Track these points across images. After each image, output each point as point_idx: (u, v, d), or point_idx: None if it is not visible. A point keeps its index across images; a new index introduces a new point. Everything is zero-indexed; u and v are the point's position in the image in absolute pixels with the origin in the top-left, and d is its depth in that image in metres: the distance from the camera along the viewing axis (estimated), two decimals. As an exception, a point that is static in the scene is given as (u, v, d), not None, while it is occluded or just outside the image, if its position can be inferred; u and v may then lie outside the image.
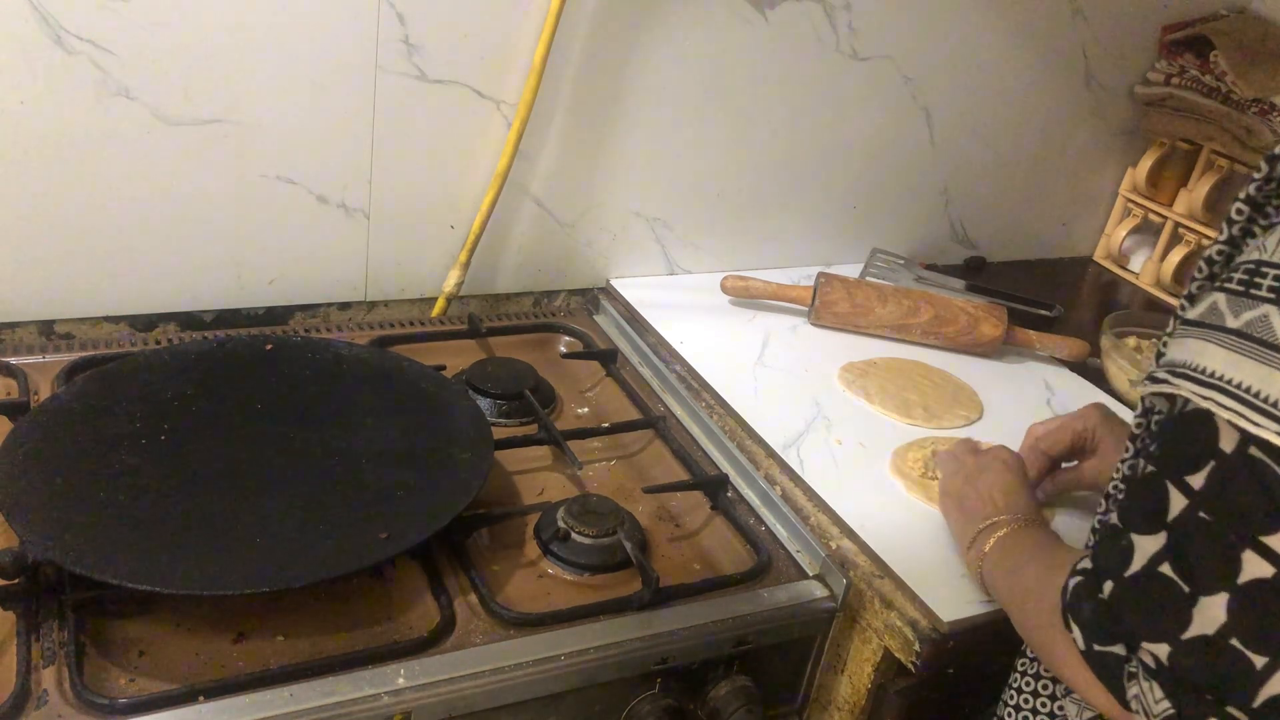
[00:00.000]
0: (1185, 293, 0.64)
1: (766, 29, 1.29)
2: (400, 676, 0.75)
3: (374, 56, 1.10)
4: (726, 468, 1.05)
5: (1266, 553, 0.50)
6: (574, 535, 0.90)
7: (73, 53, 0.98)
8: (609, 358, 1.20)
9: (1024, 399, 1.25)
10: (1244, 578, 0.51)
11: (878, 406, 1.17)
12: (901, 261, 1.50)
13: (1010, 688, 0.84)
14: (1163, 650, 0.54)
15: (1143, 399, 0.68)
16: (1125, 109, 1.64)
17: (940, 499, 0.98)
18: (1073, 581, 0.62)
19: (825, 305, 1.32)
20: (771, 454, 1.07)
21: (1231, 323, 0.54)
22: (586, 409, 1.15)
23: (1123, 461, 0.73)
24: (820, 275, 1.34)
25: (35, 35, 0.96)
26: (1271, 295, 0.53)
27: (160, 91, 1.03)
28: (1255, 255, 0.56)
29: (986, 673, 0.91)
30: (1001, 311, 1.33)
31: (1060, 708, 0.78)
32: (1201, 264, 0.63)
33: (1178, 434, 0.55)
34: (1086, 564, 0.62)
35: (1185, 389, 0.54)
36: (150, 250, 1.11)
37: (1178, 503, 0.54)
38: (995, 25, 1.45)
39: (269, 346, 1.04)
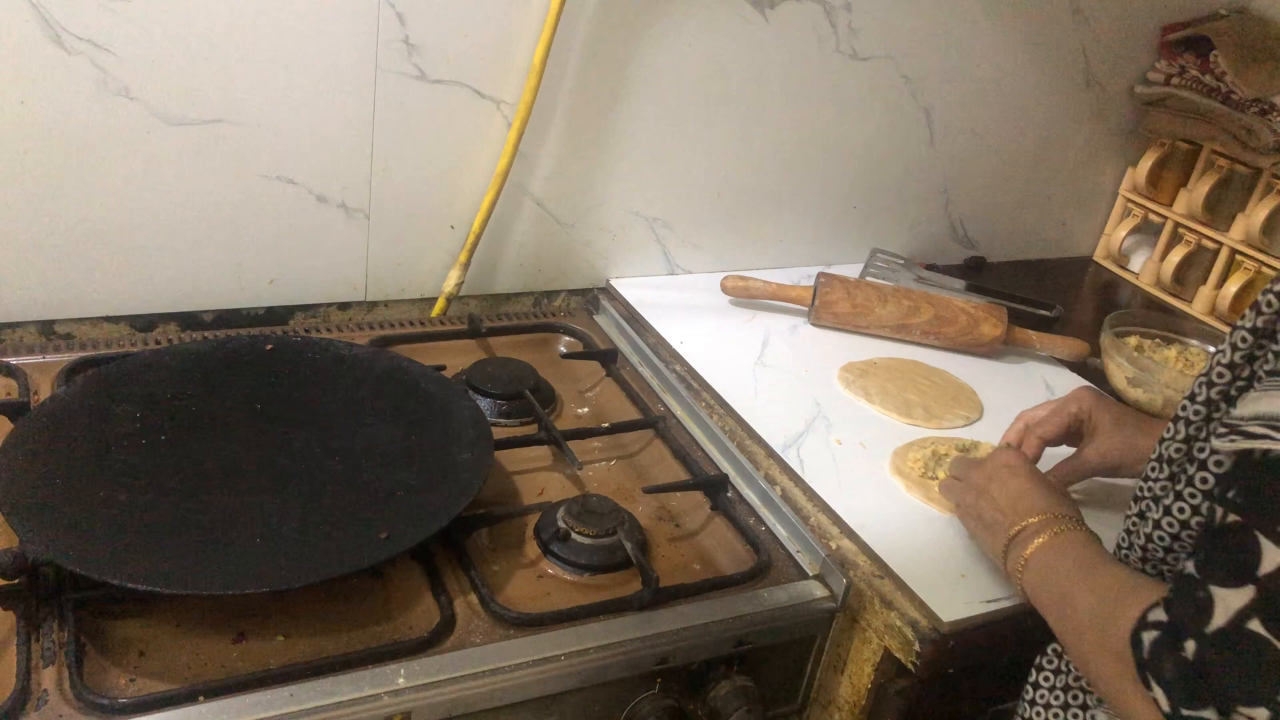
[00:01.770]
0: (1249, 326, 0.60)
1: (766, 29, 1.29)
2: (400, 676, 0.75)
3: (374, 56, 1.10)
4: (726, 468, 1.05)
5: None
6: (574, 535, 0.90)
7: (73, 53, 0.98)
8: (609, 358, 1.20)
9: (1024, 399, 1.24)
10: None
11: (878, 406, 1.17)
12: (901, 261, 1.50)
13: (1035, 686, 0.82)
14: (1262, 715, 0.52)
15: (1184, 424, 0.65)
16: (1125, 109, 1.64)
17: (960, 514, 0.94)
18: (1148, 637, 0.58)
19: (825, 305, 1.32)
20: (771, 454, 1.07)
21: None
22: (586, 409, 1.15)
23: (1154, 480, 0.71)
24: (820, 275, 1.34)
25: (35, 35, 0.96)
26: None
27: (160, 91, 1.03)
28: None
29: (986, 673, 0.91)
30: (1001, 311, 1.33)
31: (1093, 718, 0.77)
32: (1273, 298, 0.60)
33: (1269, 483, 0.52)
34: (1160, 615, 0.58)
35: None
36: (150, 250, 1.11)
37: (1272, 556, 0.51)
38: (995, 25, 1.45)
39: (269, 346, 1.04)
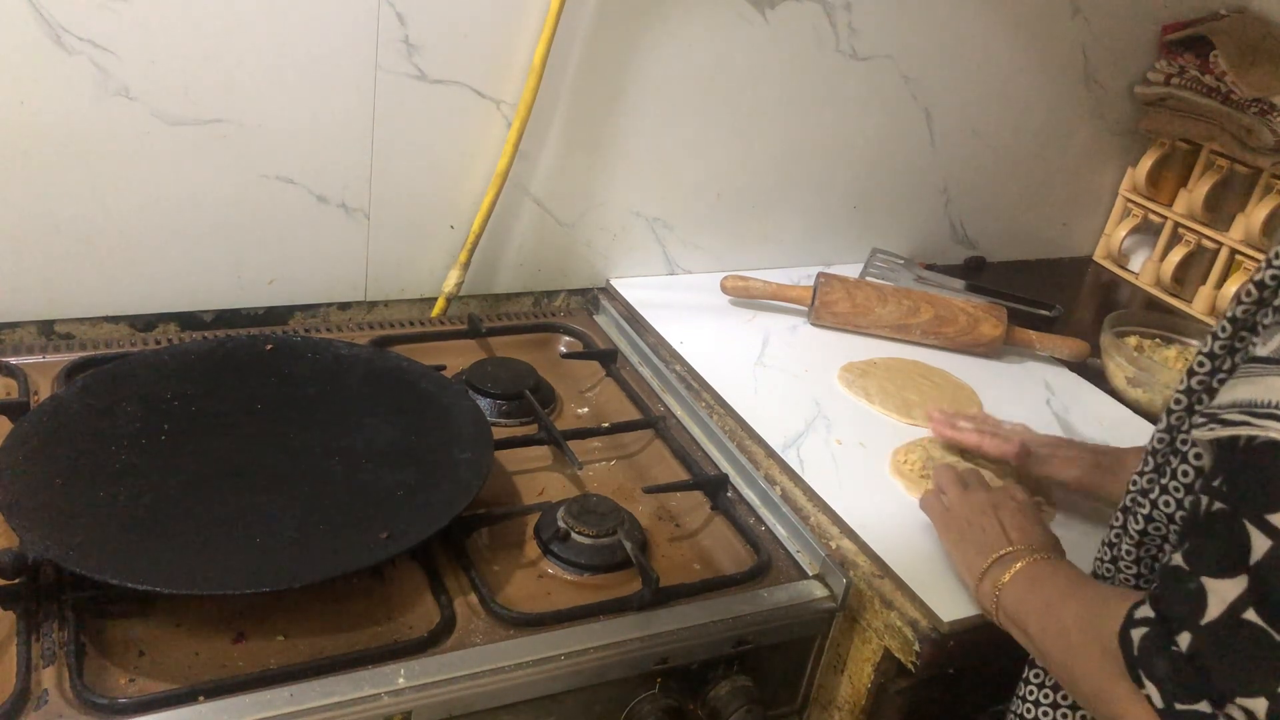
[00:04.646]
0: (1229, 315, 0.60)
1: (766, 29, 1.29)
2: (400, 676, 0.75)
3: (374, 56, 1.10)
4: (726, 468, 1.05)
5: None
6: (574, 535, 0.90)
7: (73, 53, 0.98)
8: (609, 358, 1.20)
9: (1024, 399, 1.25)
10: None
11: (878, 406, 1.17)
12: (901, 261, 1.50)
13: (1021, 699, 0.82)
14: (1260, 706, 0.51)
15: (1168, 415, 0.65)
16: (1125, 109, 1.64)
17: (943, 525, 0.92)
18: (1137, 633, 0.57)
19: (825, 305, 1.32)
20: (771, 454, 1.07)
21: None
22: (586, 409, 1.15)
23: (1140, 475, 0.71)
24: (820, 275, 1.34)
25: (35, 35, 0.96)
26: None
27: (160, 91, 1.03)
28: None
29: (986, 673, 0.91)
30: (1001, 311, 1.33)
31: (1082, 717, 0.77)
32: (1251, 288, 0.60)
33: (1254, 471, 0.52)
34: (1148, 611, 0.57)
35: (1275, 429, 0.50)
36: (150, 250, 1.11)
37: (1261, 544, 0.50)
38: (995, 25, 1.45)
39: (269, 346, 1.04)
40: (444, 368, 1.10)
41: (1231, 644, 0.52)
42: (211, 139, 1.07)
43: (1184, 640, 0.54)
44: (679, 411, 1.14)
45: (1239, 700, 0.51)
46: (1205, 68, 1.52)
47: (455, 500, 0.86)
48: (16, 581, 0.75)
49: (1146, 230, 1.69)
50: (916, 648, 0.86)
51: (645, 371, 1.21)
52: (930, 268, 1.55)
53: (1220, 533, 0.53)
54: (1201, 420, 0.54)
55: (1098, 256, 1.76)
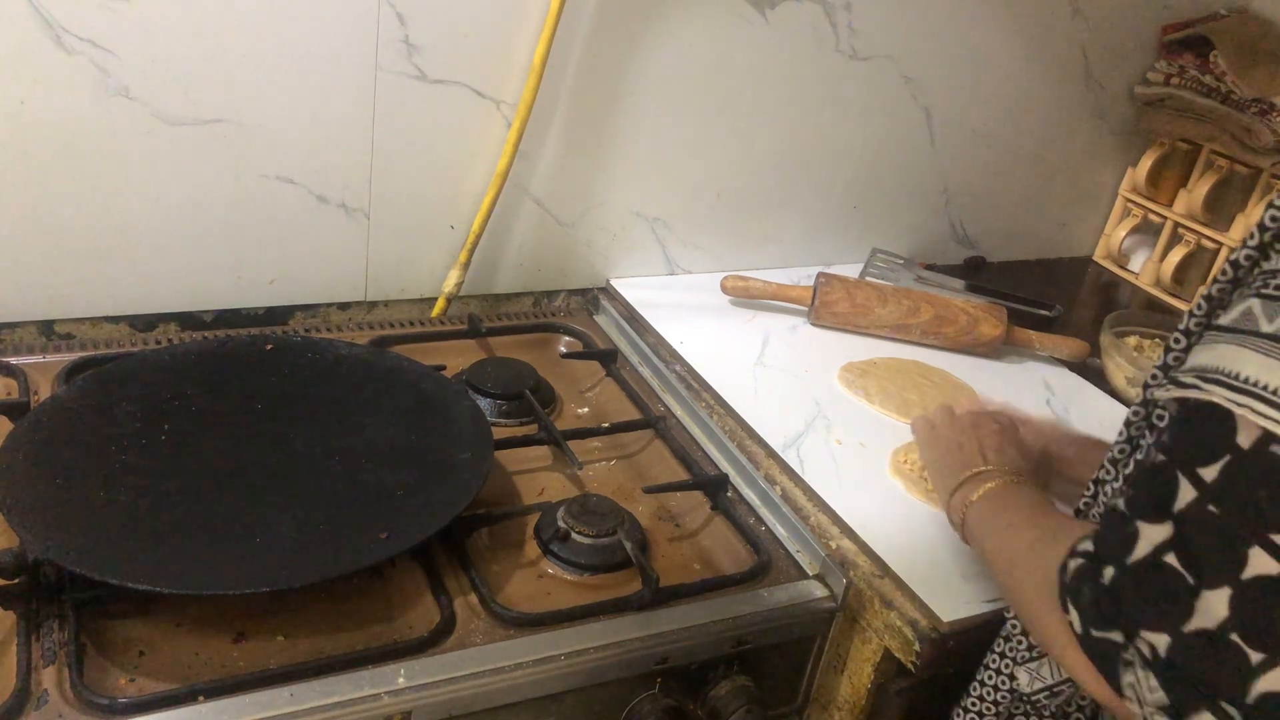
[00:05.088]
0: (1204, 293, 0.63)
1: (766, 29, 1.29)
2: (400, 676, 0.75)
3: (374, 56, 1.10)
4: (726, 468, 1.05)
5: (1274, 550, 0.50)
6: (574, 535, 0.90)
7: (73, 53, 0.98)
8: (609, 358, 1.20)
9: (1024, 399, 1.25)
10: (1248, 573, 0.51)
11: (878, 406, 1.17)
12: (901, 261, 1.50)
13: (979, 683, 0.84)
14: (1162, 641, 0.54)
15: (1145, 390, 0.67)
16: (1125, 109, 1.64)
17: (926, 443, 0.96)
18: (1073, 563, 0.61)
19: (825, 305, 1.32)
20: (771, 454, 1.07)
21: (1266, 327, 0.53)
22: (586, 409, 1.15)
23: (1115, 445, 0.73)
24: (820, 275, 1.34)
25: (35, 35, 0.96)
26: None
27: (160, 91, 1.03)
28: None
29: (986, 673, 0.91)
30: (1001, 311, 1.33)
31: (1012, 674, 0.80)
32: (1227, 267, 0.62)
33: (1192, 426, 0.55)
34: (1088, 546, 0.61)
35: (1218, 394, 0.53)
36: (150, 250, 1.11)
37: (1186, 494, 0.53)
38: (995, 25, 1.45)
39: (269, 346, 1.04)
40: (444, 368, 1.10)
41: (1148, 582, 0.55)
42: (211, 139, 1.07)
43: (1109, 574, 0.57)
44: (679, 411, 1.14)
45: (1144, 633, 0.55)
46: (1205, 68, 1.52)
47: (455, 500, 0.86)
48: (16, 581, 0.75)
49: (1146, 230, 1.69)
50: (916, 648, 0.86)
51: (645, 371, 1.21)
52: (930, 268, 1.55)
53: (1156, 481, 0.56)
54: (1163, 381, 0.58)
55: (1098, 256, 1.76)
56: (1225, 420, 0.52)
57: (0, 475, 0.81)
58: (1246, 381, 0.52)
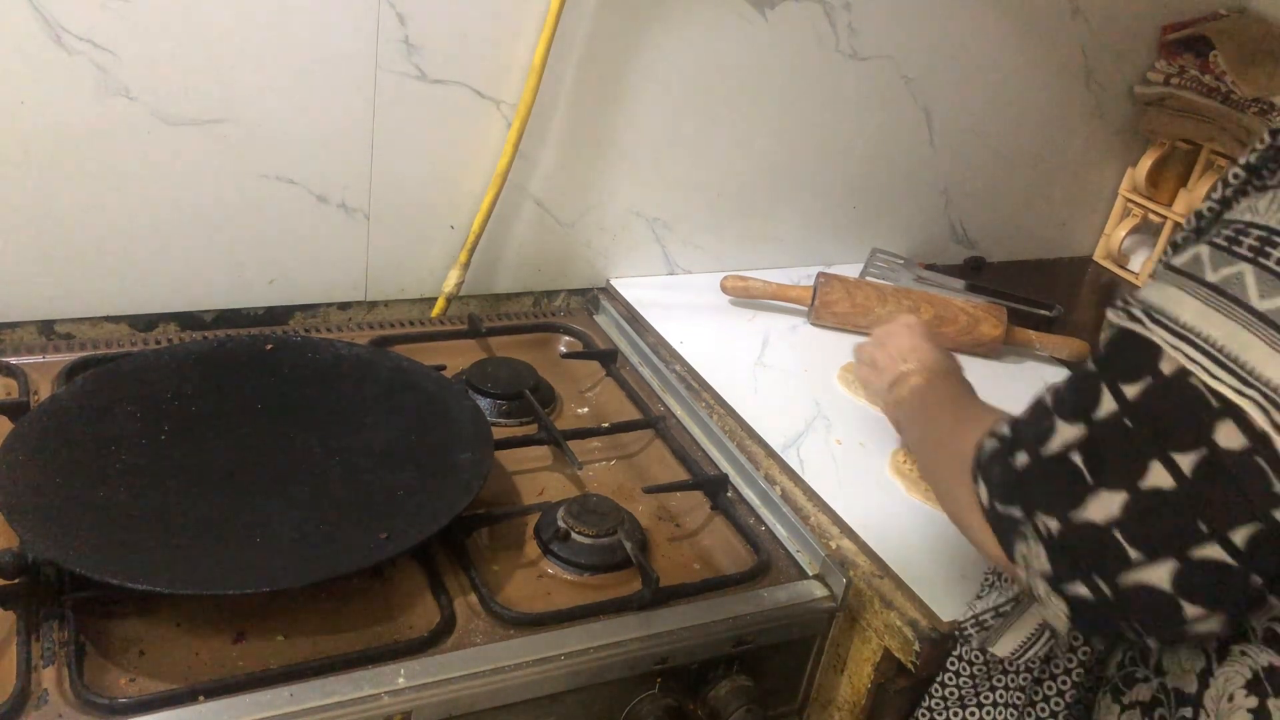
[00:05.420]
0: (1171, 240, 0.67)
1: (766, 29, 1.29)
2: (400, 676, 0.75)
3: (374, 56, 1.10)
4: (726, 468, 1.05)
5: (1173, 468, 0.55)
6: (574, 535, 0.90)
7: (73, 53, 0.98)
8: (609, 358, 1.20)
9: (1024, 399, 1.24)
10: (1145, 484, 0.56)
11: (862, 397, 1.17)
12: (901, 261, 1.50)
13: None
14: (1055, 524, 0.61)
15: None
16: (1125, 109, 1.64)
17: (857, 370, 1.03)
18: (989, 444, 0.67)
19: (825, 305, 1.32)
20: (771, 454, 1.07)
21: (1210, 276, 0.57)
22: (586, 409, 1.15)
23: None
24: (820, 275, 1.34)
25: (35, 35, 0.96)
26: (1250, 255, 0.56)
27: (160, 91, 1.03)
28: (1245, 216, 0.59)
29: (986, 673, 0.91)
30: (1001, 311, 1.33)
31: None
32: (1191, 217, 0.66)
33: (1125, 346, 0.59)
34: (1005, 430, 0.67)
35: (1158, 335, 0.57)
36: (150, 250, 1.11)
37: (1107, 405, 0.58)
38: (995, 25, 1.45)
39: (269, 346, 1.04)
40: (444, 368, 1.10)
41: (1053, 474, 0.61)
42: (211, 139, 1.07)
43: (1020, 459, 0.64)
44: (679, 411, 1.14)
45: (1040, 515, 0.61)
46: (1205, 68, 1.52)
47: (455, 500, 0.86)
48: (16, 581, 0.75)
49: (1146, 230, 1.69)
50: (916, 648, 0.86)
51: (645, 371, 1.21)
52: (930, 268, 1.55)
53: (1082, 387, 0.61)
54: (1120, 307, 0.62)
55: (1098, 256, 1.76)
56: (1153, 348, 0.57)
57: (0, 475, 0.81)
58: (1184, 327, 0.57)
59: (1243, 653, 0.64)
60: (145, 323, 1.15)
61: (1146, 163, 1.62)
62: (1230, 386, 0.54)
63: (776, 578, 0.91)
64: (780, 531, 0.97)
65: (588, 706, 0.83)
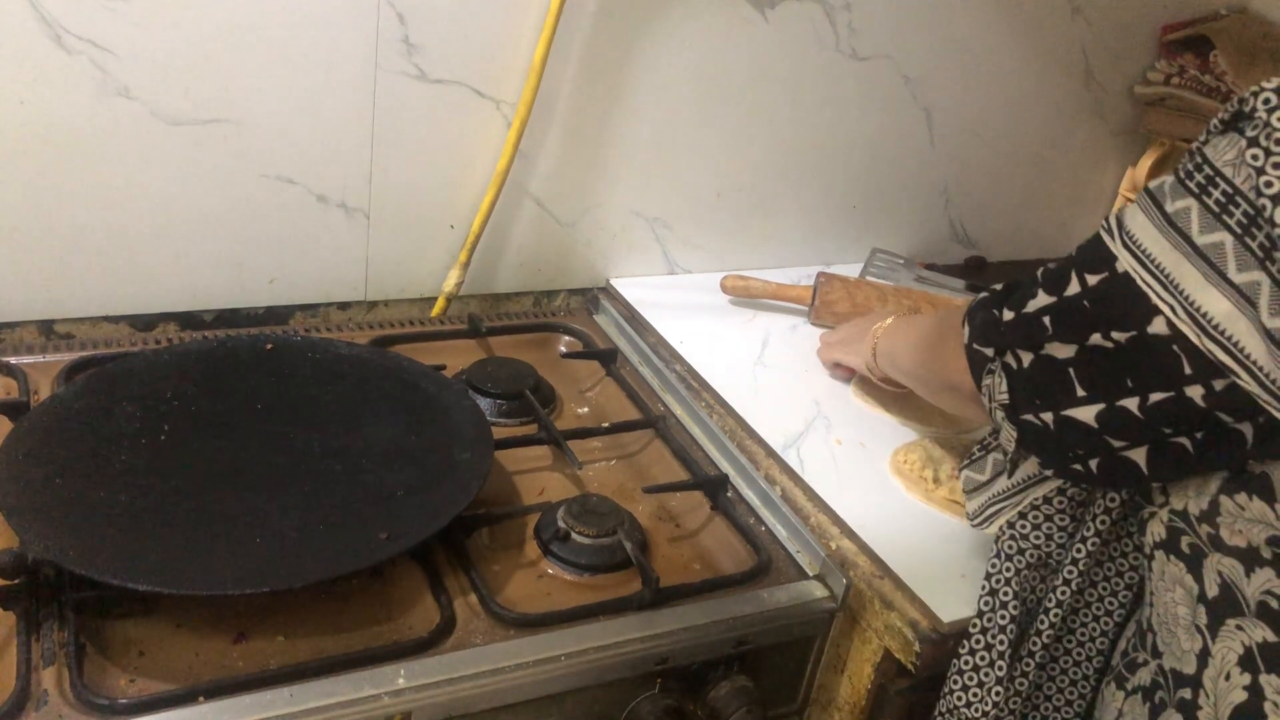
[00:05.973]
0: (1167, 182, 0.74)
1: (766, 29, 1.29)
2: (400, 677, 0.75)
3: (374, 56, 1.10)
4: (726, 468, 1.05)
5: (1108, 338, 0.66)
6: (574, 535, 0.90)
7: (73, 53, 0.98)
8: (609, 358, 1.20)
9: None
10: (1090, 343, 0.68)
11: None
12: (901, 261, 1.50)
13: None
14: (1027, 358, 0.72)
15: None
16: (1125, 108, 1.64)
17: (829, 354, 1.17)
18: (982, 296, 0.79)
19: (825, 305, 1.32)
20: (771, 454, 1.07)
21: (1168, 206, 0.64)
22: (586, 409, 1.15)
23: None
24: (820, 275, 1.34)
25: (35, 35, 0.96)
26: (1197, 191, 0.63)
27: (160, 91, 1.03)
28: (1206, 152, 0.64)
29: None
30: (1001, 311, 1.33)
31: None
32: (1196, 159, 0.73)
33: (1096, 247, 0.69)
34: (998, 288, 0.78)
35: (1118, 249, 0.66)
36: (150, 250, 1.11)
37: (1073, 286, 0.69)
38: (995, 25, 1.45)
39: (269, 346, 1.04)
40: (444, 368, 1.10)
41: (1024, 324, 0.72)
42: (211, 139, 1.07)
43: (1007, 314, 0.74)
44: (679, 411, 1.14)
45: (1009, 354, 0.74)
46: (1205, 68, 1.52)
47: (455, 500, 0.86)
48: (16, 581, 0.75)
49: (1146, 230, 1.68)
50: (916, 648, 0.86)
51: (645, 371, 1.21)
52: (930, 268, 1.55)
53: (1060, 270, 0.70)
54: (1110, 225, 0.69)
55: (1098, 256, 1.76)
56: (1114, 256, 0.67)
57: (0, 475, 0.81)
58: (1144, 252, 0.65)
59: (1238, 626, 0.67)
60: (145, 323, 1.15)
61: (1146, 163, 1.62)
62: (1168, 305, 0.63)
63: (776, 578, 0.91)
64: (780, 532, 0.97)
65: (588, 707, 0.83)
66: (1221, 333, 0.61)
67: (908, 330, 1.02)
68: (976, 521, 0.89)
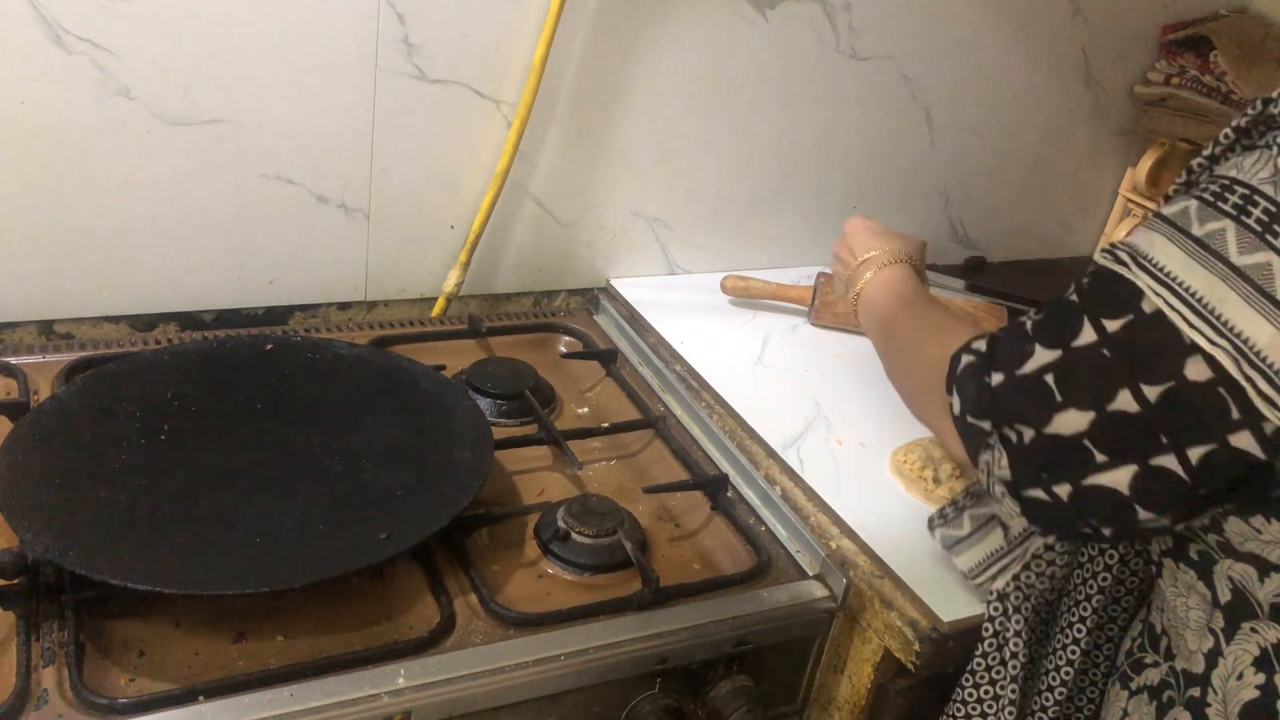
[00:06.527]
0: (1164, 194, 0.69)
1: (766, 29, 1.29)
2: (400, 676, 0.75)
3: (374, 56, 1.10)
4: (726, 468, 1.05)
5: (1140, 397, 0.60)
6: (574, 535, 0.90)
7: (73, 53, 0.98)
8: (609, 358, 1.20)
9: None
10: (1112, 407, 0.61)
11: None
12: (901, 261, 1.50)
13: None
14: (1029, 432, 0.65)
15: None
16: (1125, 109, 1.64)
17: (860, 238, 1.07)
18: (965, 358, 0.72)
19: (825, 305, 1.32)
20: (771, 454, 1.07)
21: (1196, 230, 0.60)
22: (586, 409, 1.15)
23: None
24: (820, 275, 1.34)
25: (35, 35, 0.96)
26: (1233, 212, 0.59)
27: (160, 91, 1.03)
28: (1232, 172, 0.61)
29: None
30: (1001, 311, 1.33)
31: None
32: (1184, 171, 0.69)
33: (1109, 285, 0.63)
34: (981, 346, 0.71)
35: (1142, 281, 0.61)
36: (150, 250, 1.11)
37: (1087, 335, 0.63)
38: (995, 25, 1.45)
39: (269, 346, 1.04)
40: (444, 368, 1.10)
41: (1027, 391, 0.65)
42: (211, 139, 1.07)
43: (996, 378, 0.68)
44: (679, 411, 1.14)
45: (1008, 427, 0.67)
46: (1205, 68, 1.52)
47: (455, 500, 0.86)
48: (16, 581, 0.75)
49: (1146, 230, 1.68)
50: (916, 648, 0.86)
51: (645, 371, 1.21)
52: (930, 268, 1.54)
53: (1064, 315, 0.65)
54: (1107, 250, 0.65)
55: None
56: (1137, 290, 0.61)
57: (0, 475, 0.81)
58: (1168, 275, 0.60)
59: (1253, 629, 0.66)
60: (145, 323, 1.15)
61: (1147, 163, 1.62)
62: (1204, 335, 0.58)
63: (776, 578, 0.91)
64: (780, 531, 0.97)
65: (588, 706, 0.83)
66: (1264, 360, 0.56)
67: (889, 329, 0.92)
68: (977, 580, 0.86)
